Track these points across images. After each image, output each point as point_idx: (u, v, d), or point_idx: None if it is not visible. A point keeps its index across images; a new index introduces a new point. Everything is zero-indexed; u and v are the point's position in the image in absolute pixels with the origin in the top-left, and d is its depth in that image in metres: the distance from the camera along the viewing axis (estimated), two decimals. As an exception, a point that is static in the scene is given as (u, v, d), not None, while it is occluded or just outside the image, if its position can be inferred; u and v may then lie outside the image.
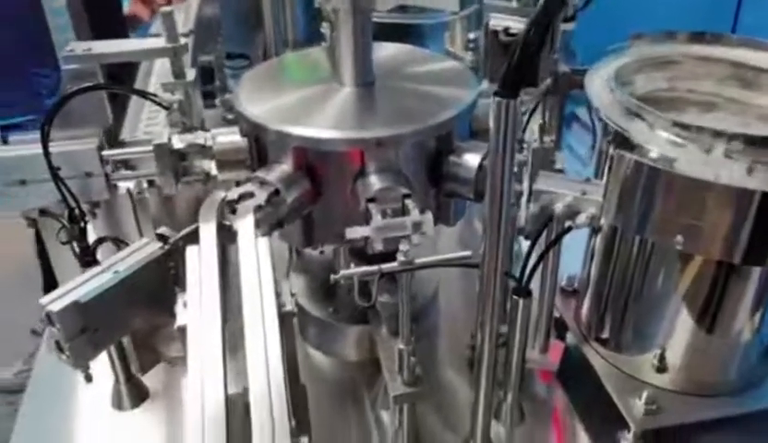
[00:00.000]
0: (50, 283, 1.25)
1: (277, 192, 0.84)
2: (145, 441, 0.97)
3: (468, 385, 1.03)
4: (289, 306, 0.76)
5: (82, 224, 0.88)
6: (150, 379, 1.03)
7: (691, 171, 0.74)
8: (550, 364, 1.01)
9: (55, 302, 0.70)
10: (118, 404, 1.00)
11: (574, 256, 1.06)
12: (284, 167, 0.87)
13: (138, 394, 1.00)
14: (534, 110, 1.09)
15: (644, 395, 0.90)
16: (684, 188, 0.74)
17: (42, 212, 0.89)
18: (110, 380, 1.00)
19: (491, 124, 0.68)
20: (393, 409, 0.93)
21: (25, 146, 0.87)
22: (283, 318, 0.74)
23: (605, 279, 0.99)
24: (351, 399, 1.03)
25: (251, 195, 0.83)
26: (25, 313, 2.63)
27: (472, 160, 0.90)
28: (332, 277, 0.77)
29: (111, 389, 1.01)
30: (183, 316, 0.73)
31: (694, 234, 0.75)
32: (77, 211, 0.87)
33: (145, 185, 1.01)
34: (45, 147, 0.84)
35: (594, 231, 1.04)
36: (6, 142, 1.78)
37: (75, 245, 0.93)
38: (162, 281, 0.78)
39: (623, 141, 0.82)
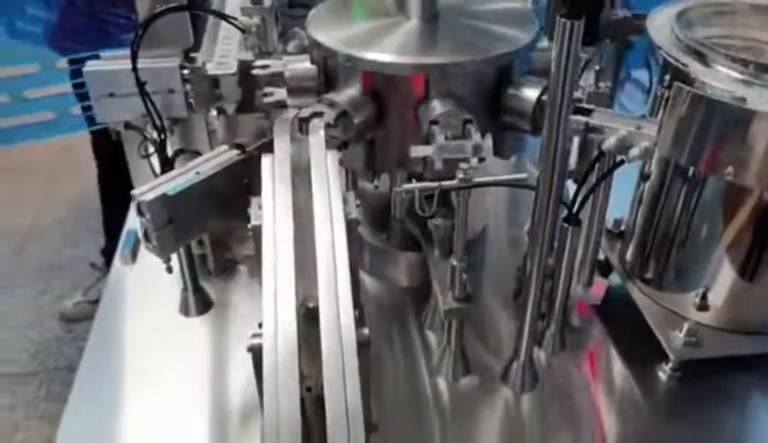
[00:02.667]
0: (118, 208, 1.33)
1: (345, 113, 0.90)
2: (208, 345, 1.05)
3: (512, 318, 1.08)
4: (354, 215, 0.81)
5: (163, 137, 0.95)
6: (214, 292, 1.11)
7: (747, 103, 0.77)
8: (593, 298, 1.05)
9: (146, 194, 0.77)
10: (185, 311, 1.08)
11: (621, 200, 1.09)
12: (352, 91, 0.92)
13: (203, 303, 1.08)
14: (592, 56, 1.12)
15: (685, 327, 0.94)
16: (739, 120, 0.77)
17: (127, 126, 0.96)
18: (177, 290, 1.09)
19: (554, 44, 0.71)
20: (442, 327, 0.99)
21: (115, 61, 0.94)
22: (349, 224, 0.80)
23: (651, 221, 1.02)
24: (398, 321, 1.09)
25: (321, 114, 0.89)
26: (84, 249, 2.80)
27: (531, 93, 0.94)
28: (395, 189, 0.83)
29: (179, 298, 1.09)
30: (257, 216, 0.80)
31: (745, 166, 0.78)
32: (159, 125, 0.94)
33: (214, 112, 1.08)
34: (134, 62, 0.91)
35: (643, 178, 1.07)
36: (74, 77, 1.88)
37: (151, 161, 1.00)
38: (237, 186, 0.85)
39: (682, 78, 0.85)
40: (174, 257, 1.01)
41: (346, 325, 0.72)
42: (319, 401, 0.75)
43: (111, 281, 1.18)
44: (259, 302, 0.74)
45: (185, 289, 1.07)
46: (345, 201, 0.81)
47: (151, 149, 1.00)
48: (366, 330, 0.73)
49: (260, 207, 0.80)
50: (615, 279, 1.10)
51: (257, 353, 0.72)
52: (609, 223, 1.13)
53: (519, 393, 0.96)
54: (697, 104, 0.79)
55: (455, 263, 0.88)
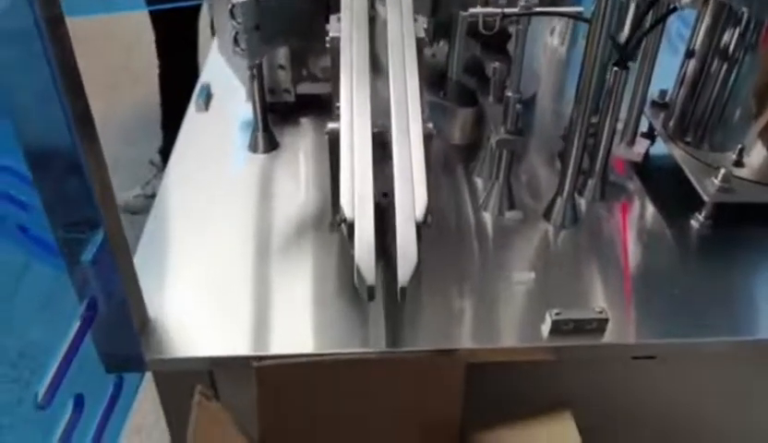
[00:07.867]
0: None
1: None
2: (273, 176, 1.15)
3: (556, 175, 1.14)
4: (423, 34, 0.89)
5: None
6: (281, 138, 1.22)
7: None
8: (635, 155, 1.12)
9: (240, -4, 0.87)
10: (254, 148, 1.18)
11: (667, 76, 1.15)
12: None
13: (270, 142, 1.18)
14: None
15: (720, 174, 1.00)
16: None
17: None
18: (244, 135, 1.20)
19: None
20: (490, 173, 1.07)
21: None
22: (419, 42, 0.88)
23: (696, 86, 1.08)
24: (446, 170, 1.17)
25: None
26: (144, 149, 2.92)
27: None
28: (461, 14, 0.90)
29: (249, 137, 1.19)
30: (336, 28, 0.89)
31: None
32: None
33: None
34: None
35: (689, 54, 1.12)
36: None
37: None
38: (318, 6, 0.94)
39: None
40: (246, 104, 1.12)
41: (414, 120, 0.81)
42: (378, 210, 0.84)
43: (185, 127, 1.28)
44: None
45: (255, 128, 1.17)
46: (415, 20, 0.89)
47: None
48: (430, 124, 0.82)
49: (339, 20, 0.89)
50: (655, 149, 1.17)
51: (334, 136, 0.82)
52: (655, 95, 1.19)
53: (559, 229, 1.03)
54: (751, -58, 0.84)
55: (510, 94, 0.96)
